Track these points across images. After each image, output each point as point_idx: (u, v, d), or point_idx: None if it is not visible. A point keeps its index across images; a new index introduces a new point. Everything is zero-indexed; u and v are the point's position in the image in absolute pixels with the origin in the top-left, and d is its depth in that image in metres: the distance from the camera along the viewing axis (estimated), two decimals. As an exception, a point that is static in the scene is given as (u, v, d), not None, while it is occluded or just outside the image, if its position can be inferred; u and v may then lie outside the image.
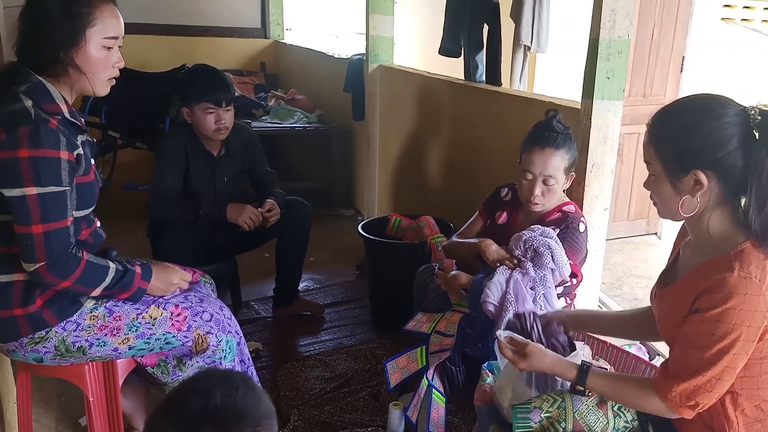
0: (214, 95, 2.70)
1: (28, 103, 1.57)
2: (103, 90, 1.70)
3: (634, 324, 1.72)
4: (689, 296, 1.34)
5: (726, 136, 1.29)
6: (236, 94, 3.70)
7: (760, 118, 1.29)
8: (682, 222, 1.49)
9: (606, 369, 1.77)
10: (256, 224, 2.78)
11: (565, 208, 2.21)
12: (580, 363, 1.49)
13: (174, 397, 0.98)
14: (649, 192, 1.46)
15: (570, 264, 2.07)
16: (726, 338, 1.26)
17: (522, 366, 1.54)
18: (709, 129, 1.31)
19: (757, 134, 1.29)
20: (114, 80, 1.71)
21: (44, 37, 1.58)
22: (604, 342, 2.15)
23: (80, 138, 1.67)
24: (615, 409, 1.49)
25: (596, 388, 1.46)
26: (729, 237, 1.34)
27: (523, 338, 1.59)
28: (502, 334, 1.62)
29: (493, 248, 2.11)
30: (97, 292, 1.69)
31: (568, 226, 2.14)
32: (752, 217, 1.29)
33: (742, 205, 1.33)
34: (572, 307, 2.25)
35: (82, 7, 1.59)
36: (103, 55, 1.64)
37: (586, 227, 2.18)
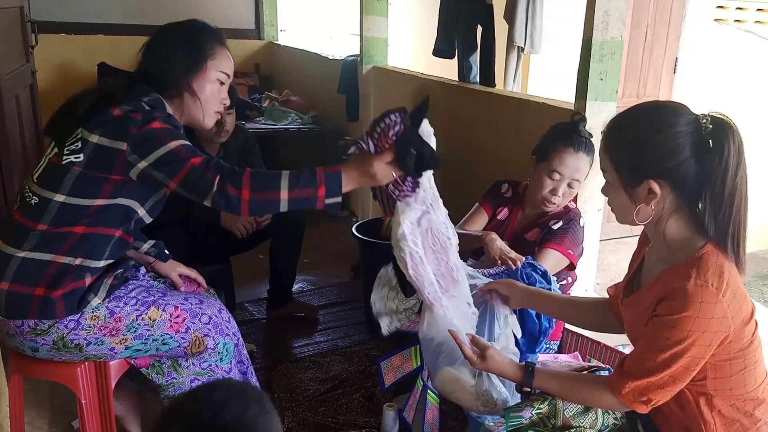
0: None
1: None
2: (210, 121, 1.86)
3: (584, 313, 1.76)
4: (651, 304, 1.36)
5: (678, 146, 1.30)
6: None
7: (711, 126, 1.29)
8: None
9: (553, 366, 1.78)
10: (249, 232, 2.79)
11: (567, 205, 2.24)
12: (524, 364, 1.52)
13: (186, 403, 0.96)
14: (606, 198, 1.48)
15: (570, 254, 2.13)
16: (681, 344, 1.28)
17: (479, 366, 1.57)
18: (661, 139, 1.31)
19: (711, 142, 1.29)
20: (219, 115, 1.88)
21: (171, 63, 1.76)
22: (598, 342, 2.16)
23: None
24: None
25: (547, 388, 1.49)
26: (687, 242, 1.36)
27: (485, 341, 1.60)
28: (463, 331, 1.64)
29: (497, 243, 2.11)
30: (284, 195, 1.60)
31: (570, 219, 2.18)
32: (708, 223, 1.31)
33: (698, 210, 1.34)
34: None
35: (207, 44, 1.81)
36: (216, 87, 1.82)
37: (584, 224, 2.21)
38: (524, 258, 2.03)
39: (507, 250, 2.07)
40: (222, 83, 1.84)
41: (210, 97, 1.82)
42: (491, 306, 1.83)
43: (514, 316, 1.85)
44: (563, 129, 2.20)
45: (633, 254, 1.61)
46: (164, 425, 0.95)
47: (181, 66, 1.77)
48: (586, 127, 2.19)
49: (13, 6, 3.25)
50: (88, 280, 1.72)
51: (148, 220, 1.80)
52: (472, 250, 2.23)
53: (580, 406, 1.50)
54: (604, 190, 1.47)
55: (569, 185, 2.15)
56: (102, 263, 1.74)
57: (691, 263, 1.31)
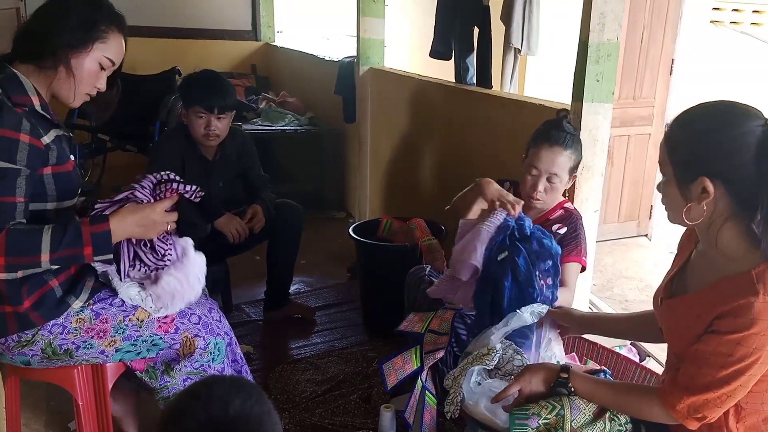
0: (208, 101, 2.69)
1: None
2: (77, 101, 1.73)
3: (643, 327, 1.70)
4: (705, 314, 1.32)
5: (739, 147, 1.25)
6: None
7: None
8: (686, 228, 1.47)
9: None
10: (243, 237, 2.78)
11: (566, 206, 2.24)
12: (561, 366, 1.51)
13: (189, 401, 0.95)
14: (660, 196, 1.42)
15: (584, 261, 2.14)
16: (743, 361, 1.25)
17: (526, 390, 1.52)
18: (722, 137, 1.26)
19: None
20: (89, 98, 1.75)
21: (58, 30, 1.62)
22: (594, 343, 2.16)
23: (54, 132, 1.67)
24: (612, 414, 1.48)
25: (589, 391, 1.46)
26: (743, 253, 1.30)
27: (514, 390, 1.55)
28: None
29: (493, 186, 2.09)
30: (45, 258, 1.53)
31: (575, 223, 2.17)
32: (761, 236, 1.25)
33: (755, 222, 1.27)
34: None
35: (102, 25, 1.68)
36: (95, 69, 1.70)
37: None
38: (521, 201, 2.00)
39: (504, 193, 2.03)
40: (103, 68, 1.72)
41: (85, 78, 1.69)
42: (539, 328, 1.81)
43: (560, 340, 1.84)
44: (544, 125, 2.21)
45: (678, 248, 1.55)
46: (170, 427, 0.94)
47: (66, 37, 1.63)
48: (571, 123, 2.19)
49: (9, 8, 3.25)
50: (53, 282, 1.68)
51: (71, 203, 1.72)
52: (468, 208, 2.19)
53: (587, 415, 1.46)
54: (659, 187, 1.41)
55: (549, 180, 2.14)
56: None
57: (756, 277, 1.25)
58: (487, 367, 1.66)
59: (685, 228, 1.48)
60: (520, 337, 1.79)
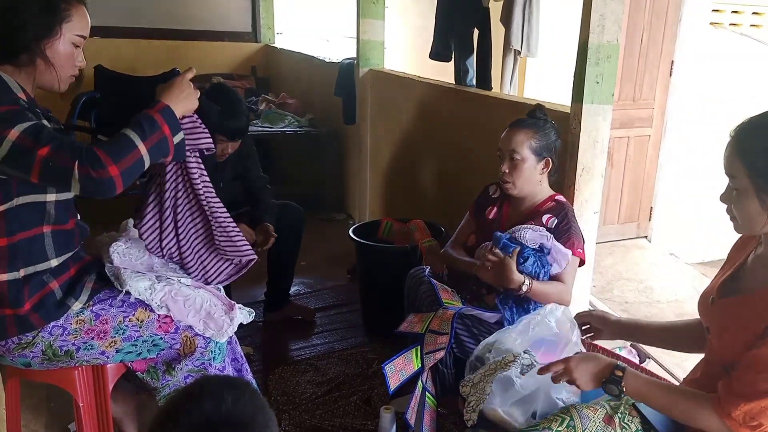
0: (231, 131, 2.67)
1: None
2: (63, 86, 1.71)
3: (688, 335, 1.66)
4: (763, 315, 1.30)
5: None
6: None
7: None
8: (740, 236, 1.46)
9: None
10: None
11: (557, 198, 2.25)
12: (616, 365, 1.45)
13: (182, 401, 0.96)
14: (726, 206, 1.39)
15: (580, 253, 2.14)
16: None
17: (569, 365, 1.47)
18: None
19: None
20: (74, 78, 1.74)
21: (21, 25, 1.59)
22: (595, 345, 2.16)
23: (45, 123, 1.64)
24: (622, 421, 1.46)
25: (641, 390, 1.42)
26: None
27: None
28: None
29: (485, 275, 2.13)
30: (143, 149, 1.57)
31: (567, 214, 2.18)
32: None
33: None
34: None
35: (61, 3, 1.63)
36: (70, 51, 1.68)
37: (574, 213, 2.25)
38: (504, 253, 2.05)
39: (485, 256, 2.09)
40: (77, 46, 1.70)
41: (64, 62, 1.67)
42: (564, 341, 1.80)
43: (580, 345, 1.82)
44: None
45: (730, 255, 1.53)
46: (163, 428, 0.95)
47: (33, 29, 1.60)
48: (543, 113, 2.25)
49: None
50: (53, 284, 1.69)
51: (70, 195, 1.70)
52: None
53: (597, 422, 1.44)
54: (726, 197, 1.38)
55: (511, 159, 2.19)
56: (55, 261, 1.69)
57: None
58: (512, 375, 1.65)
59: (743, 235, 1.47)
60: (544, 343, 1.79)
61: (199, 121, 1.82)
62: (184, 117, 1.75)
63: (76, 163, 1.49)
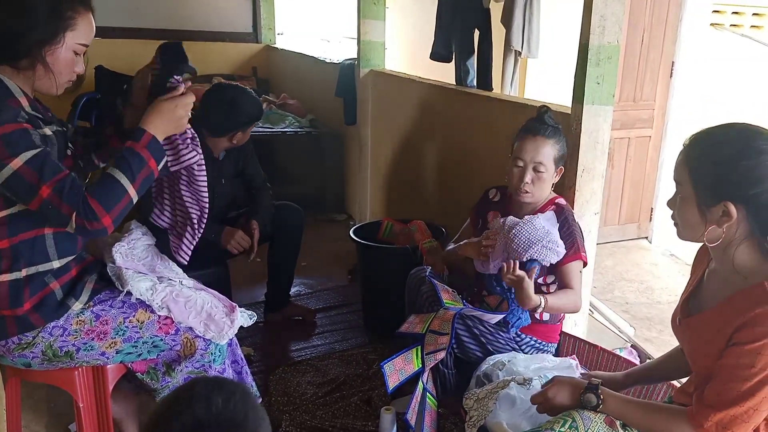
0: (254, 116, 2.83)
1: None
2: (60, 90, 1.71)
3: (672, 366, 1.70)
4: (724, 328, 1.32)
5: (766, 174, 1.27)
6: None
7: None
8: (701, 245, 1.49)
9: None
10: (245, 249, 2.81)
11: (558, 201, 2.23)
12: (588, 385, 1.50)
13: (172, 404, 0.97)
14: (672, 211, 1.43)
15: (583, 256, 2.13)
16: (766, 370, 1.25)
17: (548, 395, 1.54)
18: (751, 164, 1.27)
19: None
20: (71, 83, 1.73)
21: (26, 29, 1.58)
22: (595, 346, 2.16)
23: (48, 129, 1.65)
24: (622, 424, 1.48)
25: (624, 414, 1.46)
26: (759, 267, 1.32)
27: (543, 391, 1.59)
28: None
29: (469, 247, 2.20)
30: (132, 192, 1.61)
31: (567, 219, 2.16)
32: None
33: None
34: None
35: (67, 11, 1.62)
36: (71, 58, 1.67)
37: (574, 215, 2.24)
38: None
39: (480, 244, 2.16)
40: (78, 54, 1.69)
41: (63, 69, 1.66)
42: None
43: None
44: (527, 121, 2.23)
45: (692, 269, 1.57)
46: (157, 429, 0.95)
47: (36, 34, 1.58)
48: (552, 117, 2.21)
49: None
50: (54, 285, 1.69)
51: None
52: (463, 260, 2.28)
53: (599, 423, 1.46)
54: (672, 203, 1.42)
55: (535, 170, 2.14)
56: (57, 263, 1.70)
57: None
58: (516, 393, 1.70)
59: (699, 244, 1.50)
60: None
61: (191, 137, 1.84)
62: (174, 136, 1.79)
63: (74, 215, 1.53)
